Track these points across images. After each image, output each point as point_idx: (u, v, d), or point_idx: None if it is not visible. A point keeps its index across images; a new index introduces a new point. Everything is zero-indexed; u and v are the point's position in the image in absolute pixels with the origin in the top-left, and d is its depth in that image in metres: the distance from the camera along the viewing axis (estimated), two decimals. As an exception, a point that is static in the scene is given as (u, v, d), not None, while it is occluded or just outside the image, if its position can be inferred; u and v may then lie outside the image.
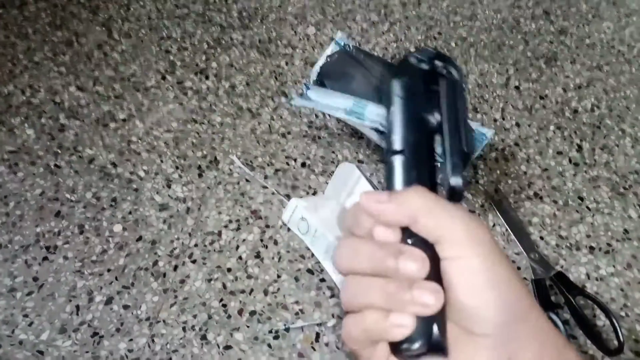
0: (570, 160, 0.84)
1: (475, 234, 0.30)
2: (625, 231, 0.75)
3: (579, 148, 0.86)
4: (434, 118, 0.34)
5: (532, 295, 0.32)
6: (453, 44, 1.00)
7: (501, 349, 0.29)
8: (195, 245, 0.67)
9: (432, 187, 0.32)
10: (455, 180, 0.31)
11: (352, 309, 0.31)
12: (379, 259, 0.29)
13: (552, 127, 0.88)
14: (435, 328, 0.28)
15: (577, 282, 0.68)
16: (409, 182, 0.32)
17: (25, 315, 0.59)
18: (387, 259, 0.29)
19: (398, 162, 0.33)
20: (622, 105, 0.93)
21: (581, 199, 0.79)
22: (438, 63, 0.35)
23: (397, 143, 0.33)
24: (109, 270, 0.64)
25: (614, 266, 0.71)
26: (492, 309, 0.29)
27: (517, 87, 0.94)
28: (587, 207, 0.78)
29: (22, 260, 0.64)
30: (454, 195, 0.32)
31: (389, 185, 0.33)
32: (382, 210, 0.31)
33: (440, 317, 0.29)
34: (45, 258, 0.64)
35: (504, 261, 0.30)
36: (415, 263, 0.29)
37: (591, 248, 0.73)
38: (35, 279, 0.62)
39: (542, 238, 0.72)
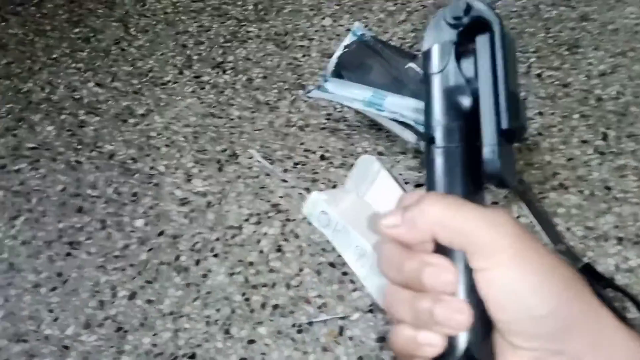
0: (595, 149, 0.82)
1: (502, 236, 0.26)
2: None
3: (605, 136, 0.84)
4: (471, 89, 0.29)
5: (587, 294, 0.27)
6: (472, 33, 0.99)
7: (552, 357, 0.27)
8: (217, 239, 0.67)
9: (478, 178, 0.29)
10: (491, 166, 0.27)
11: (393, 319, 0.29)
12: (407, 271, 0.27)
13: (576, 116, 0.86)
14: (466, 340, 0.27)
15: (605, 273, 0.66)
16: (450, 177, 0.29)
17: (50, 311, 0.60)
18: (412, 271, 0.27)
19: (436, 154, 0.29)
20: (648, 92, 0.91)
21: (608, 188, 0.77)
22: (472, 17, 0.29)
23: (432, 129, 0.29)
24: (131, 265, 0.64)
25: (642, 257, 0.69)
26: (531, 321, 0.26)
27: (538, 75, 0.92)
28: (615, 197, 0.76)
29: (45, 256, 0.64)
30: (495, 182, 0.28)
31: (429, 184, 0.30)
32: (398, 236, 0.28)
33: (476, 328, 0.27)
34: (68, 254, 0.65)
35: (545, 262, 0.26)
36: (439, 275, 0.27)
37: (619, 239, 0.71)
38: (59, 275, 0.63)
39: (568, 229, 0.71)
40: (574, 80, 0.92)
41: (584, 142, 0.83)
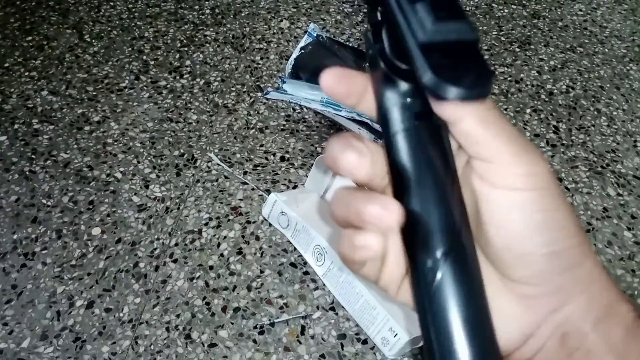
0: (547, 142, 0.84)
1: (531, 160, 0.23)
2: (605, 209, 0.76)
3: (556, 130, 0.87)
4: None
5: (587, 241, 0.26)
6: (428, 32, 1.01)
7: (542, 300, 0.26)
8: (176, 244, 0.67)
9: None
10: (427, 78, 0.21)
11: (339, 224, 0.27)
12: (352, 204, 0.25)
13: (528, 110, 0.89)
14: None
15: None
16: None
17: (5, 324, 0.58)
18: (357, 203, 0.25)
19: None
20: (597, 85, 0.94)
21: (560, 179, 0.79)
22: None
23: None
24: (89, 274, 0.63)
25: (595, 244, 0.72)
26: (539, 257, 0.25)
27: (492, 72, 0.95)
28: (567, 188, 0.78)
29: (-1, 268, 0.63)
30: (436, 97, 0.22)
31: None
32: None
33: None
34: (23, 265, 0.63)
35: (562, 200, 0.25)
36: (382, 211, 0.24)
37: (571, 227, 0.73)
38: (14, 287, 0.61)
39: (522, 220, 0.73)
40: (526, 76, 0.95)
41: (537, 135, 0.86)
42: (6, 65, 0.85)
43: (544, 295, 0.26)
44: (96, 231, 0.67)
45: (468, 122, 0.23)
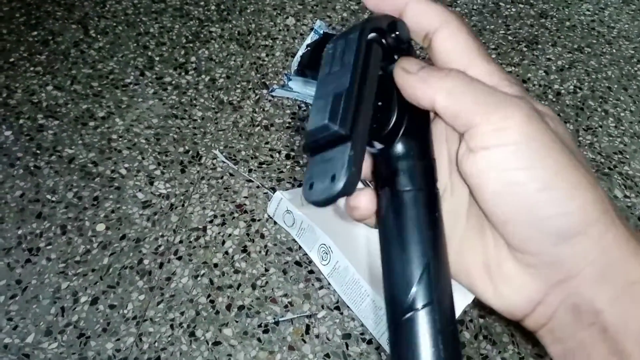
0: (554, 143, 0.84)
1: (503, 114, 0.23)
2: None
3: (563, 130, 0.86)
4: None
5: (597, 204, 0.23)
6: (434, 31, 1.00)
7: (544, 270, 0.24)
8: (180, 241, 0.66)
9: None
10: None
11: None
12: None
13: (535, 110, 0.88)
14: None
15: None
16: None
17: (10, 319, 0.58)
18: None
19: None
20: (604, 86, 0.94)
21: (566, 180, 0.79)
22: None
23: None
24: (93, 270, 0.63)
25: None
26: (526, 224, 0.24)
27: (499, 72, 0.94)
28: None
29: (4, 263, 0.62)
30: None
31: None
32: (404, 83, 0.25)
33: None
34: (28, 260, 0.63)
35: (552, 155, 0.23)
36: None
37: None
38: (18, 282, 0.61)
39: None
40: (534, 76, 0.94)
41: (544, 135, 0.85)
42: (11, 60, 0.84)
43: (544, 265, 0.24)
44: (101, 227, 0.67)
45: (440, 100, 0.24)
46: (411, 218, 0.26)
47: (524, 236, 0.24)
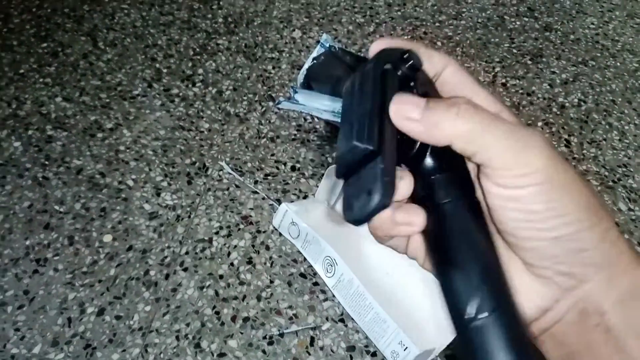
0: (558, 156, 0.84)
1: (534, 158, 0.24)
2: (616, 224, 0.76)
3: (568, 143, 0.86)
4: None
5: (605, 224, 0.26)
6: (439, 43, 1.01)
7: (557, 279, 0.27)
8: (186, 253, 0.67)
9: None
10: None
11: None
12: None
13: (540, 123, 0.89)
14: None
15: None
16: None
17: (17, 329, 0.59)
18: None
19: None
20: (608, 99, 0.94)
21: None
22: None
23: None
24: (100, 281, 0.63)
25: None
26: (543, 243, 0.26)
27: (504, 84, 0.94)
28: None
29: (12, 273, 0.63)
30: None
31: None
32: (409, 130, 0.26)
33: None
34: (35, 271, 0.64)
35: (566, 189, 0.25)
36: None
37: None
38: (26, 292, 0.62)
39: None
40: (538, 89, 0.95)
41: (548, 149, 0.85)
42: (21, 71, 0.86)
43: (558, 275, 0.26)
44: (107, 238, 0.67)
45: (457, 145, 0.25)
46: (456, 227, 0.27)
47: (540, 253, 0.26)
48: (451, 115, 0.25)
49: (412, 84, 0.27)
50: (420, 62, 0.26)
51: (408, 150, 0.27)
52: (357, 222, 0.24)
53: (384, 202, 0.23)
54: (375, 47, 0.28)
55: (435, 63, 0.28)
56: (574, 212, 0.25)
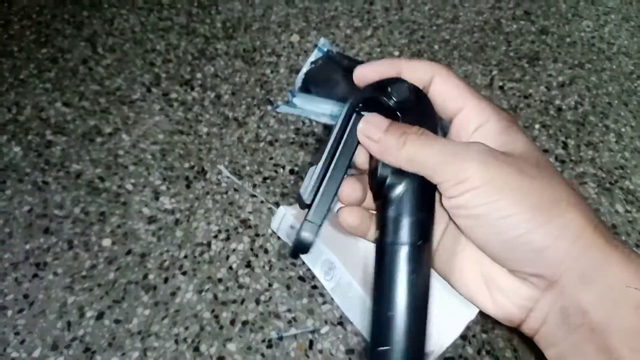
0: (556, 158, 0.85)
1: (470, 164, 0.27)
2: (613, 226, 0.76)
3: (565, 145, 0.87)
4: None
5: (570, 212, 0.26)
6: (436, 47, 1.01)
7: (532, 279, 0.28)
8: (185, 256, 0.67)
9: None
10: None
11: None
12: None
13: (537, 126, 0.89)
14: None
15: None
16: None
17: (17, 333, 0.59)
18: None
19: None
20: (605, 102, 0.95)
21: (568, 195, 0.79)
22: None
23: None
24: (99, 285, 0.64)
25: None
26: (499, 245, 0.28)
27: (501, 87, 0.95)
28: (573, 194, 0.78)
29: (12, 277, 0.63)
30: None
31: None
32: (369, 148, 0.30)
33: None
34: (35, 275, 0.64)
35: (519, 185, 0.26)
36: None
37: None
38: (25, 296, 0.62)
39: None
40: (535, 92, 0.95)
41: (546, 151, 0.86)
42: (21, 77, 0.86)
43: (530, 277, 0.28)
44: (107, 242, 0.67)
45: (404, 167, 0.28)
46: (388, 269, 0.29)
47: (502, 256, 0.28)
48: (400, 144, 0.28)
49: (398, 114, 0.30)
50: (404, 93, 0.30)
51: (379, 187, 0.30)
52: (291, 255, 0.32)
53: (298, 250, 0.28)
54: (359, 76, 0.31)
55: (420, 75, 0.30)
56: (518, 213, 0.26)
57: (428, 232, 0.30)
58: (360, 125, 0.30)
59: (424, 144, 0.28)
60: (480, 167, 0.27)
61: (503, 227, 0.27)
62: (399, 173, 0.29)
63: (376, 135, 0.29)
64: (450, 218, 0.30)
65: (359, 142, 0.30)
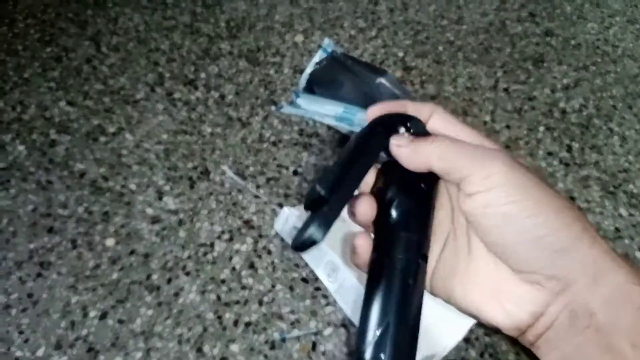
0: (560, 161, 0.84)
1: (495, 164, 0.30)
2: (617, 230, 0.76)
3: (569, 148, 0.87)
4: None
5: (581, 224, 0.28)
6: (441, 48, 1.01)
7: (546, 284, 0.29)
8: (189, 257, 0.67)
9: None
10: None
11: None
12: None
13: (541, 128, 0.89)
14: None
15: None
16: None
17: (21, 332, 0.59)
18: None
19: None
20: (609, 105, 0.94)
21: (572, 198, 0.79)
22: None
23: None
24: (102, 285, 0.64)
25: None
26: (521, 246, 0.29)
27: (505, 89, 0.95)
28: (579, 207, 0.78)
29: (16, 277, 0.64)
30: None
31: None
32: (400, 155, 0.33)
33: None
34: (39, 274, 0.64)
35: (531, 190, 0.29)
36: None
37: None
38: (29, 296, 0.62)
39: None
40: (539, 94, 0.95)
41: (550, 154, 0.86)
42: (25, 76, 0.86)
43: (545, 280, 0.29)
44: (110, 242, 0.68)
45: (434, 164, 0.31)
46: (385, 282, 0.30)
47: (524, 257, 0.29)
48: (428, 143, 0.32)
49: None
50: (422, 128, 0.34)
51: (387, 209, 0.33)
52: (295, 248, 0.30)
53: (313, 239, 0.28)
54: (372, 115, 0.35)
55: (424, 112, 0.35)
56: (543, 213, 0.28)
57: (425, 250, 0.32)
58: (391, 142, 0.33)
59: (453, 142, 0.31)
60: (506, 167, 0.29)
61: (529, 226, 0.28)
62: (404, 194, 0.32)
63: (406, 142, 0.33)
64: (468, 222, 0.32)
65: (375, 155, 0.33)
